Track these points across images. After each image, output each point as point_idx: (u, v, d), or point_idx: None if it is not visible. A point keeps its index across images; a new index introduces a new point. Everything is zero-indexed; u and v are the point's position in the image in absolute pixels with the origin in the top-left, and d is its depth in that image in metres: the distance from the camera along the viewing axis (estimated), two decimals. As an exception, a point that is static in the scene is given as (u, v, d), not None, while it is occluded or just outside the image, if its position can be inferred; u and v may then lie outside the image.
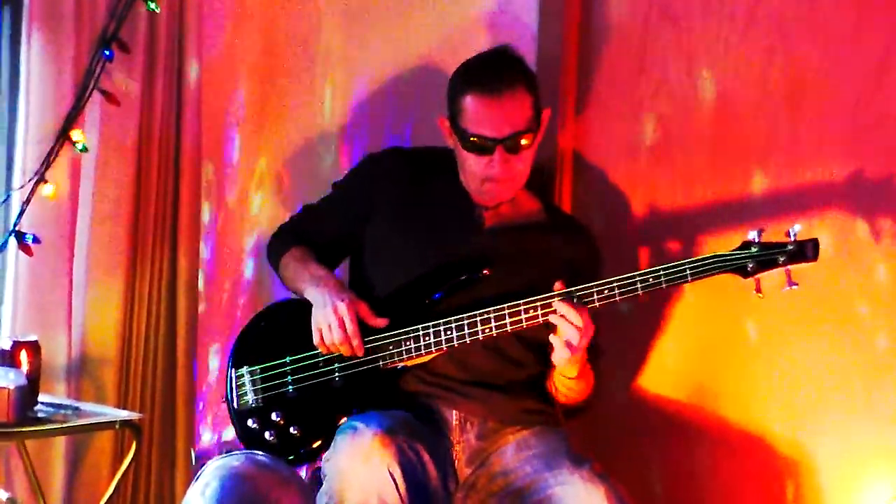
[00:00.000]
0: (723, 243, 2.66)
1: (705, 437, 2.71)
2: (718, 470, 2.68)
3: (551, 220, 2.57)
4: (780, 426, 2.60)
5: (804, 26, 2.57)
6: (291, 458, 2.47)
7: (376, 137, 3.17)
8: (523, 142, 2.41)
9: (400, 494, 2.18)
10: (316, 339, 2.44)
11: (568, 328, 2.27)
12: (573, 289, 2.30)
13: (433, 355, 2.40)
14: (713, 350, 2.70)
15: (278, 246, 2.68)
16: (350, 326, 2.40)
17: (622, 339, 2.73)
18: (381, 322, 2.42)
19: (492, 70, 2.44)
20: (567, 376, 2.37)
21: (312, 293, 2.48)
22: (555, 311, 2.29)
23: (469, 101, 2.41)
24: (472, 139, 2.41)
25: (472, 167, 2.45)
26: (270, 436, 2.49)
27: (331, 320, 2.41)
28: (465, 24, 3.02)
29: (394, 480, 2.17)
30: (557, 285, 2.31)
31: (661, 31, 2.76)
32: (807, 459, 2.57)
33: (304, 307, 2.49)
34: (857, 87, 2.50)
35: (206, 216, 3.42)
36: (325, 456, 2.31)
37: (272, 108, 3.37)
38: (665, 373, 2.78)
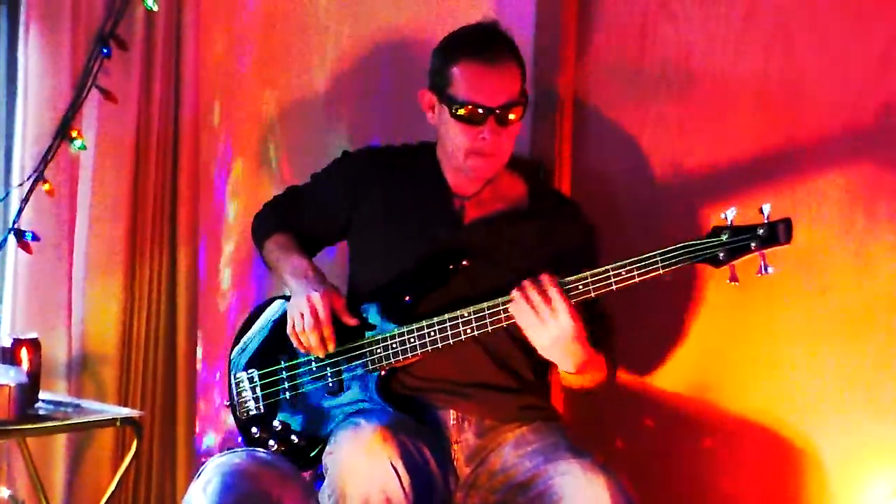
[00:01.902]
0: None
1: (708, 431, 2.71)
2: (721, 463, 2.69)
3: (536, 204, 2.53)
4: (783, 420, 2.61)
5: (804, 20, 2.57)
6: (298, 464, 2.47)
7: (379, 125, 3.16)
8: (512, 116, 2.39)
9: (403, 488, 2.17)
10: (289, 328, 2.43)
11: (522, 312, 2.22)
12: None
13: (419, 357, 2.38)
14: (716, 343, 2.71)
15: (262, 227, 2.67)
16: (323, 314, 2.37)
17: (624, 331, 2.73)
18: (352, 321, 2.41)
19: (485, 38, 2.42)
20: (566, 371, 2.32)
21: (292, 284, 2.48)
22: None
23: (462, 68, 2.39)
24: (463, 107, 2.38)
25: (459, 139, 2.41)
26: (274, 444, 2.51)
27: (303, 308, 2.39)
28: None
29: (397, 473, 2.17)
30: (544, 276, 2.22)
31: (660, 21, 2.76)
32: (810, 453, 2.57)
33: None
34: (857, 80, 2.50)
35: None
36: (326, 450, 2.31)
37: (273, 103, 3.37)
38: (668, 366, 2.78)
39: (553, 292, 2.20)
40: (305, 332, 2.39)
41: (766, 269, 2.12)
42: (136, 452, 2.85)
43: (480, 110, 2.37)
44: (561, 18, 2.84)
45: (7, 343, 2.79)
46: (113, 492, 2.89)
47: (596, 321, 2.37)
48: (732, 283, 2.14)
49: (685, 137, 2.74)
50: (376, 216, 2.53)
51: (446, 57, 2.43)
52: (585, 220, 2.55)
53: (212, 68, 3.38)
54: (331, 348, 2.40)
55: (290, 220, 2.65)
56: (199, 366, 3.43)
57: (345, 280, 2.62)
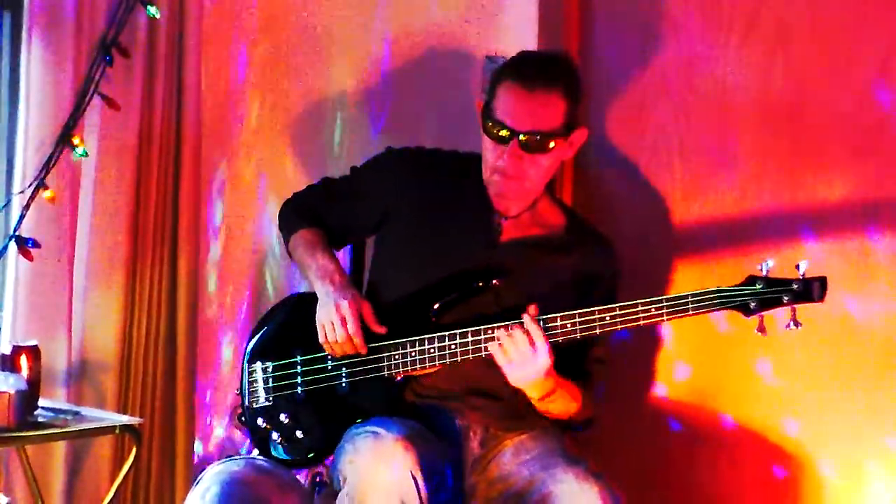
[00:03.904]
0: (718, 247, 2.66)
1: (705, 440, 2.71)
2: (719, 471, 2.68)
3: (572, 237, 2.52)
4: (783, 428, 2.60)
5: (804, 30, 2.57)
6: (296, 460, 2.48)
7: (385, 133, 3.17)
8: (541, 144, 2.37)
9: (421, 498, 2.18)
10: (321, 338, 2.43)
11: (505, 352, 2.28)
12: (574, 311, 2.25)
13: (437, 368, 2.37)
14: (713, 353, 2.70)
15: (290, 219, 2.66)
16: (352, 326, 2.38)
17: (622, 340, 2.72)
18: (381, 329, 2.41)
19: (535, 65, 2.43)
20: (530, 396, 2.35)
21: (318, 287, 2.48)
22: (560, 334, 2.27)
23: (503, 88, 2.40)
24: (492, 124, 2.39)
25: (488, 154, 2.43)
26: (278, 437, 2.50)
27: (333, 318, 2.40)
28: (468, 8, 3.01)
29: (416, 484, 2.17)
30: (531, 309, 2.27)
31: (661, 36, 2.76)
32: (808, 462, 2.57)
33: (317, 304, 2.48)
34: (858, 90, 2.51)
35: (217, 217, 3.43)
36: (346, 458, 2.28)
37: (275, 109, 3.37)
38: (665, 376, 2.78)
39: (536, 334, 2.25)
40: (338, 343, 2.40)
41: (794, 325, 2.14)
42: (135, 460, 2.84)
43: (505, 132, 2.38)
44: (563, 29, 2.85)
45: (7, 350, 2.78)
46: (111, 499, 2.88)
47: (589, 362, 2.42)
48: (758, 334, 2.15)
49: (686, 148, 2.74)
50: (411, 219, 2.52)
51: (499, 74, 2.45)
52: (616, 263, 2.53)
53: (214, 75, 3.38)
54: (363, 353, 2.41)
55: (319, 211, 2.63)
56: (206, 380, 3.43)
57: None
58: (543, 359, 2.25)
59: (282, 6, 3.35)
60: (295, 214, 2.66)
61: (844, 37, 2.52)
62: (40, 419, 2.75)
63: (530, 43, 2.84)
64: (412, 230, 2.51)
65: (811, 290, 2.13)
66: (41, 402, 2.81)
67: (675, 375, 2.76)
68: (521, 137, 2.36)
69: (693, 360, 2.73)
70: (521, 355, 2.26)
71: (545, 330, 2.26)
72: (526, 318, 2.27)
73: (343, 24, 3.24)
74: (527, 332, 2.26)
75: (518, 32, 2.87)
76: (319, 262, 2.51)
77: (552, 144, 2.39)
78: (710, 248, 2.69)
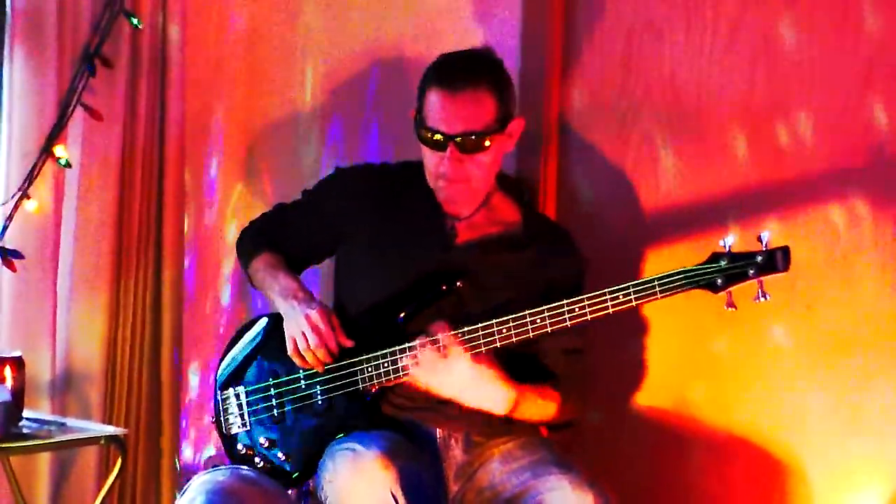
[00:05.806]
0: (705, 254, 2.68)
1: (693, 446, 2.72)
2: (707, 478, 2.69)
3: (529, 232, 2.52)
4: (768, 434, 2.61)
5: (787, 37, 2.59)
6: (281, 482, 2.47)
7: (361, 139, 3.17)
8: (477, 144, 2.38)
9: None
10: (290, 349, 2.43)
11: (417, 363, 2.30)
12: (553, 305, 2.26)
13: (410, 378, 2.36)
14: (699, 358, 2.71)
15: (248, 246, 2.67)
16: (325, 330, 2.39)
17: (608, 347, 2.73)
18: (348, 343, 2.41)
19: (457, 67, 2.43)
20: (495, 413, 2.34)
21: (282, 305, 2.48)
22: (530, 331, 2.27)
23: (430, 94, 2.41)
24: (425, 131, 2.40)
25: (428, 163, 2.44)
26: (260, 461, 2.50)
27: (304, 327, 2.40)
28: (449, 16, 3.02)
29: (396, 502, 2.18)
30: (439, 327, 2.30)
31: (645, 42, 2.77)
32: (795, 468, 2.58)
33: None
34: (841, 98, 2.52)
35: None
36: (326, 478, 2.28)
37: (256, 121, 3.37)
38: (651, 381, 2.78)
39: (447, 345, 2.27)
40: (311, 350, 2.39)
41: (763, 297, 2.14)
42: (120, 470, 2.84)
43: (439, 137, 2.38)
44: (546, 38, 2.85)
45: (-10, 361, 2.77)
46: (97, 510, 2.88)
47: (556, 357, 2.40)
48: (730, 310, 2.15)
49: (670, 157, 2.75)
50: (366, 234, 2.52)
51: (424, 81, 2.45)
52: (577, 254, 2.53)
53: (196, 86, 3.38)
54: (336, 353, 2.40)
55: (276, 237, 2.64)
56: (192, 394, 3.42)
57: (329, 296, 2.63)
58: (460, 364, 2.26)
59: (263, 19, 3.35)
60: (252, 242, 2.67)
61: (828, 42, 2.54)
62: (24, 430, 2.74)
63: (514, 51, 2.85)
64: (368, 245, 2.52)
65: (775, 260, 2.14)
66: (25, 414, 2.80)
67: (664, 382, 2.77)
68: (457, 140, 2.37)
69: (681, 367, 2.74)
70: (430, 361, 2.28)
71: (518, 328, 2.27)
72: (438, 334, 2.29)
73: (323, 36, 3.24)
74: (436, 347, 2.28)
75: (501, 40, 2.88)
76: (282, 282, 2.52)
77: (488, 143, 2.39)
78: (695, 255, 2.69)
